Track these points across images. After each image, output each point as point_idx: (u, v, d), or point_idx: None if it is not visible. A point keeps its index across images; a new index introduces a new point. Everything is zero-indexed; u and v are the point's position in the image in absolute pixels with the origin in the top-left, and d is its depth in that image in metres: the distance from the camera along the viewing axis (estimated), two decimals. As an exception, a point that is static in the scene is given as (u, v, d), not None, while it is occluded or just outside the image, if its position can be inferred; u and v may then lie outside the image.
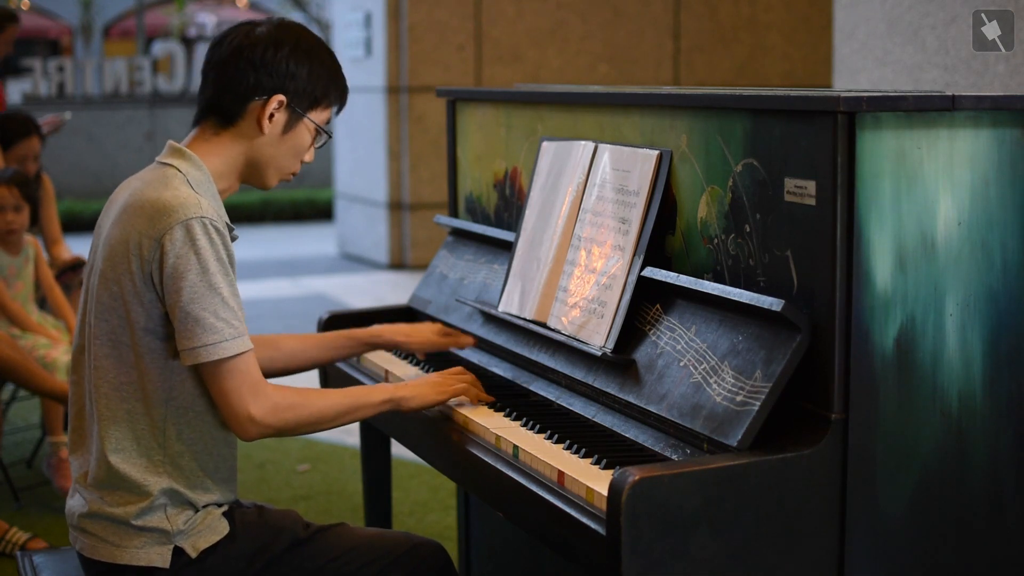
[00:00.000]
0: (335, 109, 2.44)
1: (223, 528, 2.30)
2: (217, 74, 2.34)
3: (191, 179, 2.27)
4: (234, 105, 2.32)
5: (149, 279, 2.21)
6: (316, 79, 2.36)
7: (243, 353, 2.21)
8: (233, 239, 2.34)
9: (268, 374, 2.63)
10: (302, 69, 2.34)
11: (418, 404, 2.46)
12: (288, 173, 2.41)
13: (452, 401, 2.53)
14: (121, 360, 2.25)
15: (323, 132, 2.40)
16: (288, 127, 2.35)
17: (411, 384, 2.48)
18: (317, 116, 2.39)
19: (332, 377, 3.12)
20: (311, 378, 2.97)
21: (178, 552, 2.25)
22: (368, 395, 2.41)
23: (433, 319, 3.07)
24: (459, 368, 2.62)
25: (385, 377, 2.85)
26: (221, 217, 2.27)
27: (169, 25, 20.59)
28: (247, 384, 2.22)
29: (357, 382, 2.90)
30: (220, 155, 2.34)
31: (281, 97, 2.33)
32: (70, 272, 5.12)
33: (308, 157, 2.43)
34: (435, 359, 2.89)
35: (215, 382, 2.22)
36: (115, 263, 2.24)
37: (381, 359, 2.93)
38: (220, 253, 2.21)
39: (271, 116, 2.33)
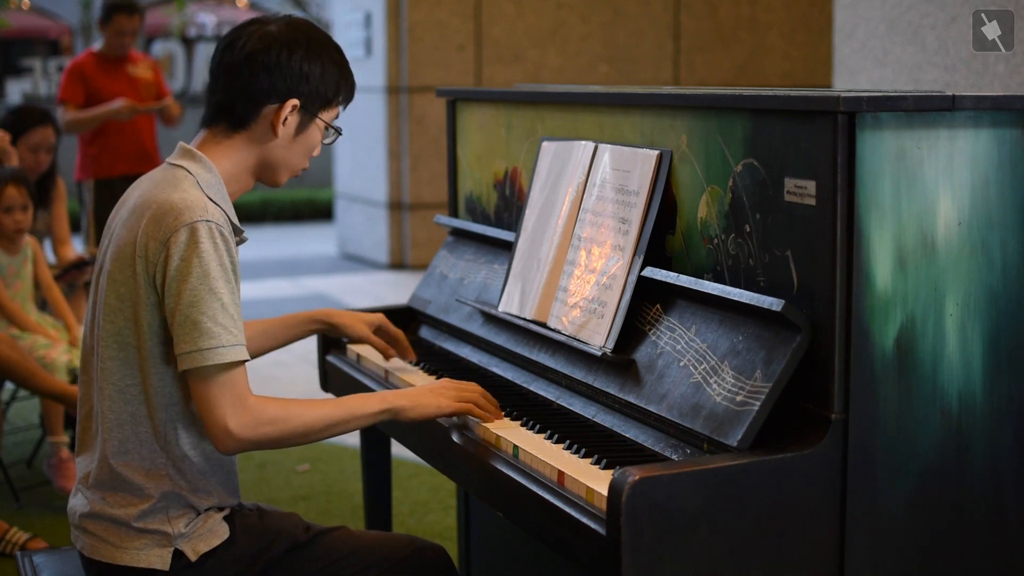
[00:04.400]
0: (344, 106, 2.43)
1: (223, 532, 2.29)
2: (229, 78, 2.31)
3: (201, 181, 2.25)
4: (247, 109, 2.30)
5: (152, 281, 2.19)
6: (328, 80, 2.34)
7: (237, 363, 2.18)
8: (243, 241, 2.32)
9: None
10: (315, 71, 2.32)
11: (418, 415, 2.36)
12: (299, 170, 2.41)
13: (457, 419, 2.48)
14: (127, 362, 2.24)
15: (334, 129, 2.40)
16: (300, 129, 2.34)
17: (411, 392, 2.38)
18: (327, 115, 2.38)
19: (331, 375, 3.12)
20: (311, 378, 2.96)
21: (178, 555, 2.25)
22: (363, 405, 2.33)
23: (433, 319, 3.07)
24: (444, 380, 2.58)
25: (384, 378, 2.85)
26: (229, 221, 2.25)
27: (169, 25, 20.55)
28: (230, 396, 2.17)
29: (357, 383, 2.90)
30: (231, 158, 2.32)
31: (295, 101, 2.30)
32: (74, 271, 5.12)
33: (316, 152, 2.42)
34: (439, 362, 2.89)
35: (200, 389, 2.17)
36: (122, 265, 2.23)
37: (381, 361, 2.92)
38: (223, 259, 2.19)
39: (285, 120, 2.31)
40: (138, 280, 2.20)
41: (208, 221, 2.18)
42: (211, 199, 2.23)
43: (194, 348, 2.15)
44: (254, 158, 2.34)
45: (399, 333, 2.86)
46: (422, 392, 2.39)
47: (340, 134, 2.42)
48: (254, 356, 2.64)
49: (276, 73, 2.29)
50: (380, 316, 2.84)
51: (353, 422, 2.32)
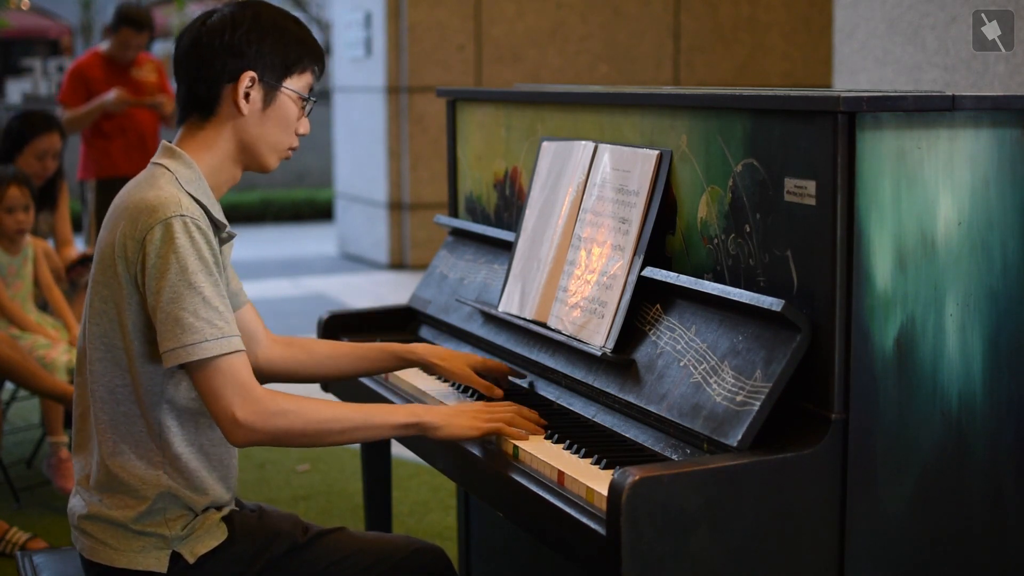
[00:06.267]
0: (314, 73, 2.38)
1: (221, 533, 2.28)
2: (184, 69, 2.32)
3: (180, 177, 2.24)
4: (208, 94, 2.29)
5: (134, 281, 2.19)
6: (282, 48, 2.31)
7: (228, 354, 2.15)
8: (229, 237, 2.31)
9: (294, 378, 2.59)
10: (265, 42, 2.29)
11: (447, 435, 2.28)
12: (285, 149, 2.36)
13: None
14: (115, 363, 2.23)
15: (306, 98, 2.36)
16: (267, 102, 2.31)
17: (443, 411, 2.29)
18: (294, 83, 2.33)
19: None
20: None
21: (176, 557, 2.24)
22: (389, 414, 2.26)
23: (433, 319, 3.07)
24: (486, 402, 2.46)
25: (384, 378, 2.84)
26: (205, 215, 2.23)
27: (169, 25, 20.58)
28: (232, 385, 2.14)
29: (357, 384, 2.90)
30: (210, 148, 2.31)
31: (251, 73, 2.28)
32: (80, 267, 5.12)
33: (303, 129, 2.37)
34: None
35: (201, 382, 2.16)
36: (104, 267, 2.22)
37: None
38: (202, 252, 2.17)
39: (246, 95, 2.29)
40: (120, 281, 2.20)
41: (182, 216, 2.16)
42: (190, 194, 2.22)
43: (177, 345, 2.14)
44: (231, 143, 2.32)
45: (500, 366, 2.65)
46: (455, 412, 2.31)
47: (315, 101, 2.38)
48: (338, 379, 2.63)
49: (225, 52, 2.28)
50: (479, 358, 2.63)
51: (375, 430, 2.26)
